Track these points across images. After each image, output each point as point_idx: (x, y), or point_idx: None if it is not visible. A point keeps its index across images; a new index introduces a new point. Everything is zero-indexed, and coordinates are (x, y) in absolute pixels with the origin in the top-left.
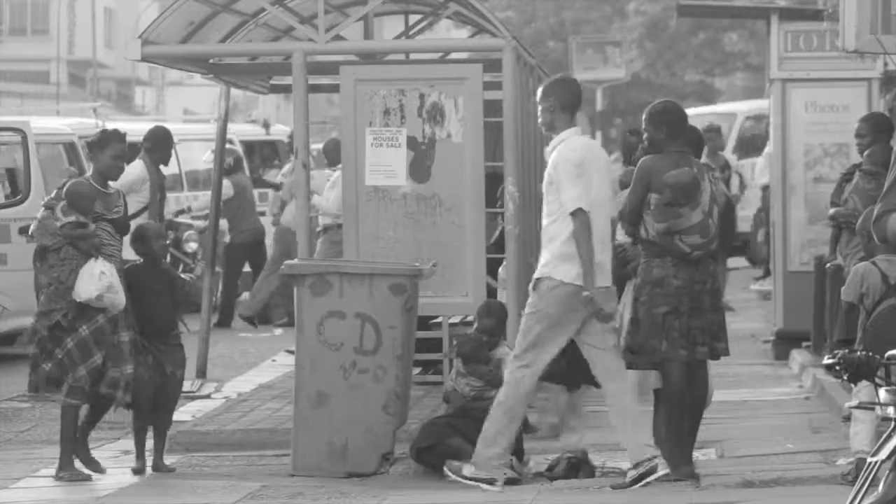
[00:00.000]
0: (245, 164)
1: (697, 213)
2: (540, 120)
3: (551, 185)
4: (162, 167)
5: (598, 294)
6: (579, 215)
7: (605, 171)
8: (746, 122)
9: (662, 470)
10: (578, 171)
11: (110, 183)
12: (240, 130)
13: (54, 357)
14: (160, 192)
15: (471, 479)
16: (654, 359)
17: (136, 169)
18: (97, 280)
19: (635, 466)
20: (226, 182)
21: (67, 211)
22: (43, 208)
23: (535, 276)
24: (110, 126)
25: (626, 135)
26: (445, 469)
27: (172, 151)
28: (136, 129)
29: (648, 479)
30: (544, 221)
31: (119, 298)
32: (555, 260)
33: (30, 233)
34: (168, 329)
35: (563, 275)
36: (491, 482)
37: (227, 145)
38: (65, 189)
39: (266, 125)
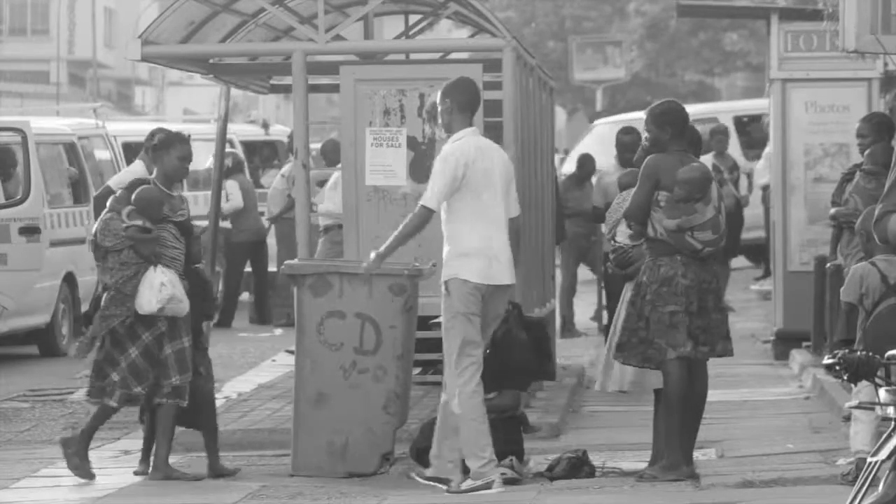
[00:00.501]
0: (245, 166)
1: (710, 209)
2: (439, 120)
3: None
4: None
5: (481, 289)
6: (423, 211)
7: (500, 171)
8: (622, 137)
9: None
10: (450, 173)
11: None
12: (239, 131)
13: (118, 365)
14: None
15: (469, 490)
16: (656, 357)
17: (137, 168)
18: (158, 292)
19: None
20: (230, 183)
21: (134, 215)
22: (107, 209)
23: (443, 278)
24: (111, 126)
25: (619, 135)
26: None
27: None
28: (136, 129)
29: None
30: (444, 220)
31: (182, 307)
32: (458, 260)
33: (93, 233)
34: (198, 331)
35: (468, 273)
36: (489, 486)
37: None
38: (134, 195)
39: (265, 125)
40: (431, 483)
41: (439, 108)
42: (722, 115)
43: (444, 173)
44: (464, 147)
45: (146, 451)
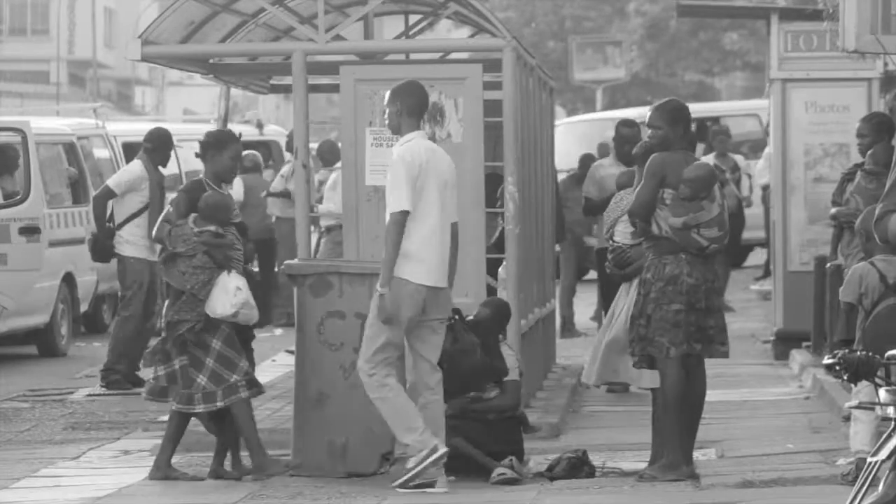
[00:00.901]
0: (262, 167)
1: (715, 206)
2: (387, 122)
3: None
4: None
5: (421, 292)
6: (396, 216)
7: (446, 175)
8: (622, 129)
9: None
10: (410, 174)
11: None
12: (234, 130)
13: (204, 367)
14: (160, 190)
15: (416, 467)
16: (657, 355)
17: (135, 168)
18: (232, 296)
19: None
20: (237, 180)
21: (201, 221)
22: (166, 213)
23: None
24: (111, 126)
25: (619, 127)
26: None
27: (171, 153)
28: (136, 129)
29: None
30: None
31: (253, 314)
32: (400, 260)
33: (155, 237)
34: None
35: (409, 274)
36: (434, 451)
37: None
38: (202, 201)
39: (260, 125)
40: (424, 464)
41: (387, 111)
42: None
43: (407, 174)
44: (416, 148)
45: (221, 455)
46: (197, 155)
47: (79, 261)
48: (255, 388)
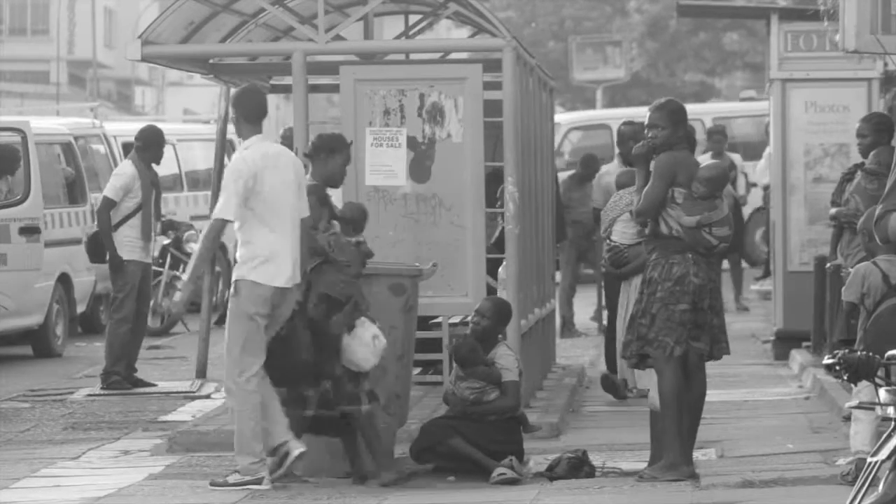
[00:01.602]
0: None
1: (725, 206)
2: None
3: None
4: (154, 166)
5: (270, 292)
6: (218, 223)
7: (288, 176)
8: (624, 128)
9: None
10: (239, 183)
11: None
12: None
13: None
14: (155, 189)
15: (237, 484)
16: (658, 355)
17: (127, 169)
18: (373, 346)
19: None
20: None
21: (348, 230)
22: (317, 223)
23: (234, 278)
24: (110, 126)
25: (621, 127)
26: (210, 485)
27: (163, 150)
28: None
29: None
30: (235, 225)
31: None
32: (250, 262)
33: (315, 248)
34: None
35: (258, 276)
36: (258, 482)
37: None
38: (347, 212)
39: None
40: (244, 487)
41: (231, 116)
42: (614, 122)
43: (236, 184)
44: (251, 156)
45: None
46: (306, 155)
47: (75, 261)
48: (375, 400)
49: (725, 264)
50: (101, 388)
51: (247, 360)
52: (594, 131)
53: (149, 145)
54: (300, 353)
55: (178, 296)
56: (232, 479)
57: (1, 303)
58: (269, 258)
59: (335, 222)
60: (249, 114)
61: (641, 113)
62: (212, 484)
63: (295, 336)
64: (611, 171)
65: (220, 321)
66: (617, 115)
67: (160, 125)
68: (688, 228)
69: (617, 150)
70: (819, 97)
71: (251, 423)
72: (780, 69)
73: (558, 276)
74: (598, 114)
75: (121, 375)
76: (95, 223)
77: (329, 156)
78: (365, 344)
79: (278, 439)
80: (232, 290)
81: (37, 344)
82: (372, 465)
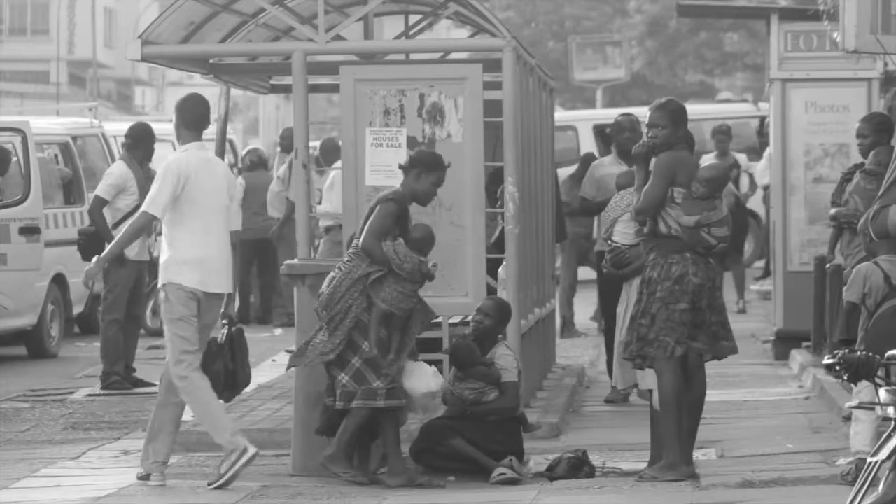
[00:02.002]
0: (268, 164)
1: (724, 206)
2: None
3: None
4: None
5: (197, 295)
6: (145, 216)
7: (220, 184)
8: (620, 119)
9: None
10: (171, 183)
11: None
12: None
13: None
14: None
15: (230, 471)
16: (658, 355)
17: (118, 169)
18: (433, 377)
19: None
20: (238, 180)
21: (415, 250)
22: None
23: (161, 282)
24: (110, 126)
25: (618, 118)
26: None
27: (153, 147)
28: None
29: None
30: (164, 227)
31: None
32: (176, 266)
33: (383, 255)
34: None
35: (184, 279)
36: (244, 452)
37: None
38: (419, 234)
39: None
40: (236, 468)
41: (172, 121)
42: (581, 124)
43: (166, 182)
44: (186, 158)
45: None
46: (401, 167)
47: (70, 262)
48: (395, 399)
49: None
50: (101, 389)
51: (186, 357)
52: (559, 133)
53: (138, 142)
54: (213, 363)
55: (89, 270)
56: (223, 467)
57: (1, 303)
58: (194, 263)
59: (401, 239)
60: (190, 121)
61: (612, 115)
62: (209, 484)
63: (214, 345)
64: (605, 163)
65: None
66: (583, 117)
67: (160, 125)
68: (687, 228)
69: (612, 143)
70: (819, 97)
71: (209, 406)
72: (780, 69)
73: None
74: (563, 115)
75: (120, 376)
76: (91, 223)
77: (424, 172)
78: (424, 374)
79: (153, 469)
80: (161, 295)
81: (31, 344)
82: (397, 464)
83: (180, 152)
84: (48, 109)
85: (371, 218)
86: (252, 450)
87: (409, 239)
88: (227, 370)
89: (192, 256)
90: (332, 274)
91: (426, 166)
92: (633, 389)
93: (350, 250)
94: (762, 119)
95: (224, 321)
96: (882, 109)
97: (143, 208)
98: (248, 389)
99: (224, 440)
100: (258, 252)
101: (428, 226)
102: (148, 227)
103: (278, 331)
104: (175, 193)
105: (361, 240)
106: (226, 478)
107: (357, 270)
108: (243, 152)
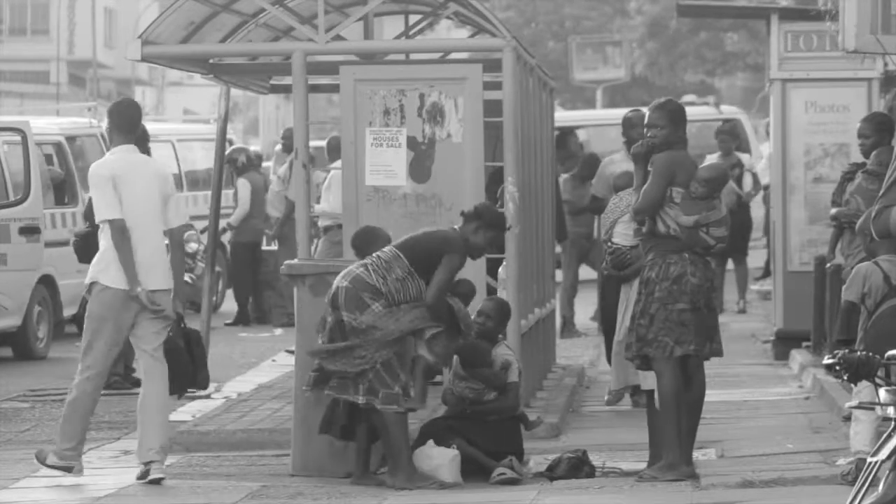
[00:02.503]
0: (261, 161)
1: (723, 206)
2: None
3: None
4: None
5: (144, 294)
6: (113, 223)
7: (151, 182)
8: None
9: (156, 475)
10: (107, 184)
11: None
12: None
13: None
14: None
15: (52, 466)
16: (658, 355)
17: None
18: (451, 462)
19: (145, 464)
20: (242, 182)
21: (468, 315)
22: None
23: (87, 280)
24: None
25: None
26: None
27: (150, 147)
28: None
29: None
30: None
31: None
32: (101, 265)
33: (468, 323)
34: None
35: (108, 279)
36: (69, 469)
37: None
38: (460, 289)
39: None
40: (55, 469)
41: (105, 126)
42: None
43: (98, 188)
44: (112, 161)
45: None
46: (463, 214)
47: (61, 263)
48: (409, 405)
49: (730, 264)
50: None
51: (87, 359)
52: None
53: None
54: (173, 361)
55: (176, 306)
56: (49, 460)
57: (1, 303)
58: (115, 262)
59: (456, 298)
60: (122, 125)
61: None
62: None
63: (169, 343)
64: (615, 160)
65: (238, 320)
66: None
67: (160, 125)
68: (685, 228)
69: (623, 140)
70: (819, 97)
71: (79, 414)
72: (780, 69)
73: (559, 276)
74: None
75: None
76: (86, 224)
77: (484, 228)
78: (446, 459)
79: (149, 457)
80: (85, 292)
81: (16, 346)
82: (406, 466)
83: (107, 156)
84: (48, 109)
85: (439, 274)
86: (78, 474)
87: (456, 293)
88: (186, 366)
89: (115, 257)
90: (368, 304)
91: (488, 224)
92: (627, 392)
93: (389, 284)
94: (724, 121)
95: (173, 318)
96: (882, 109)
97: (99, 219)
98: (247, 389)
99: (61, 447)
100: (255, 253)
101: (472, 282)
102: (125, 230)
103: (278, 331)
104: (115, 194)
105: (431, 296)
106: (47, 464)
107: (404, 317)
108: (228, 150)
